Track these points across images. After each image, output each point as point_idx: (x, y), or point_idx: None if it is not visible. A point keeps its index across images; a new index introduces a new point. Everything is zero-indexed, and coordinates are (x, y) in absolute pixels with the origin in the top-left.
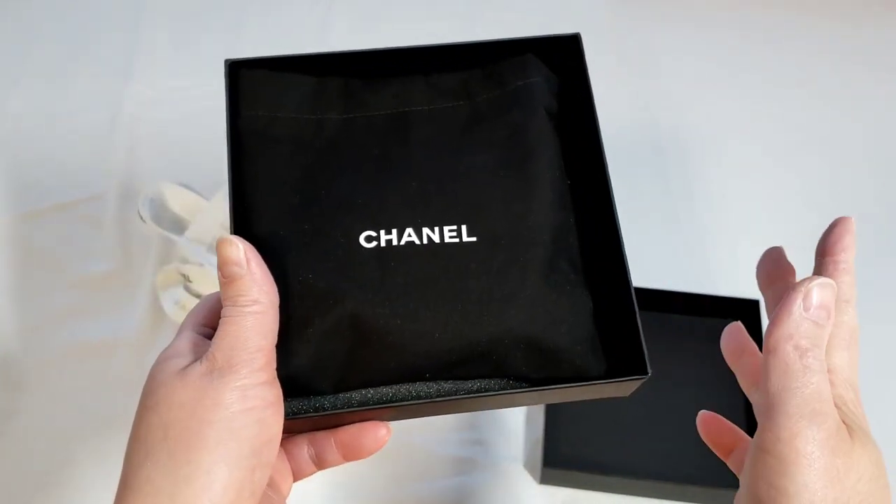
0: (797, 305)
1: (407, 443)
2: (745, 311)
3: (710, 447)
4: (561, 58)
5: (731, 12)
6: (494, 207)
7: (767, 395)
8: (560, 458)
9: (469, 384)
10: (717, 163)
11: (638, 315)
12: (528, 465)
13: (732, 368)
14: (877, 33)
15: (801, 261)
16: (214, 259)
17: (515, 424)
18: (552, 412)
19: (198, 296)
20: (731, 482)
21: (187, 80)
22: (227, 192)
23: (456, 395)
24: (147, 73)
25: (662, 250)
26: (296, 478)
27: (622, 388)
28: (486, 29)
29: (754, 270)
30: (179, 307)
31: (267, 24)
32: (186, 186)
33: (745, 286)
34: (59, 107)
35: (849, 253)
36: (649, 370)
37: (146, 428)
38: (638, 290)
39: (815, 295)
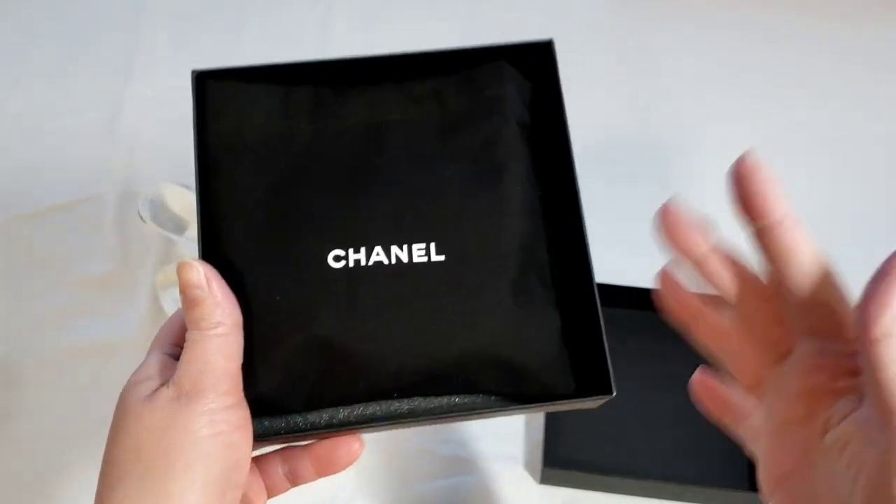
0: None
1: (407, 443)
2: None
3: (707, 412)
4: (535, 64)
5: (731, 12)
6: (463, 224)
7: (884, 389)
8: (560, 458)
9: (438, 400)
10: (717, 162)
11: (604, 331)
12: (528, 465)
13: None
14: (877, 33)
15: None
16: None
17: (515, 425)
18: (552, 412)
19: None
20: (731, 482)
21: (187, 81)
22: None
23: (426, 411)
24: (147, 73)
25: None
26: (269, 494)
27: (588, 404)
28: (486, 29)
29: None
30: (179, 307)
31: (267, 24)
32: (186, 186)
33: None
34: (59, 107)
35: (784, 200)
36: (614, 390)
37: (119, 450)
38: (637, 289)
39: None
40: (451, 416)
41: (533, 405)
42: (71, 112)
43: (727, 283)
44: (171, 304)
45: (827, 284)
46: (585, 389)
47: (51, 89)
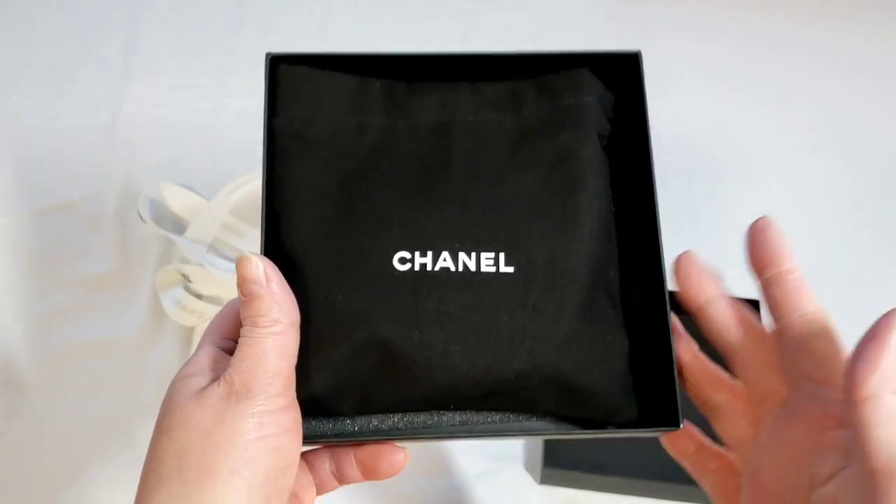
0: (894, 343)
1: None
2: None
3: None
4: (618, 75)
5: (731, 14)
6: (535, 236)
7: (871, 452)
8: (560, 458)
9: (491, 416)
10: (716, 163)
11: (675, 360)
12: (528, 465)
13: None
14: (879, 40)
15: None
16: (214, 259)
17: None
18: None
19: (198, 296)
20: None
21: (187, 80)
22: (228, 192)
23: (480, 428)
24: (147, 73)
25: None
26: (319, 491)
27: (650, 434)
28: (486, 28)
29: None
30: (179, 307)
31: (267, 24)
32: (186, 186)
33: (746, 286)
34: (59, 107)
35: (792, 255)
36: (681, 423)
37: (161, 451)
38: None
39: None
40: (505, 436)
41: (591, 431)
42: (71, 112)
43: (726, 328)
44: (171, 304)
45: (824, 334)
46: (649, 419)
47: (51, 89)
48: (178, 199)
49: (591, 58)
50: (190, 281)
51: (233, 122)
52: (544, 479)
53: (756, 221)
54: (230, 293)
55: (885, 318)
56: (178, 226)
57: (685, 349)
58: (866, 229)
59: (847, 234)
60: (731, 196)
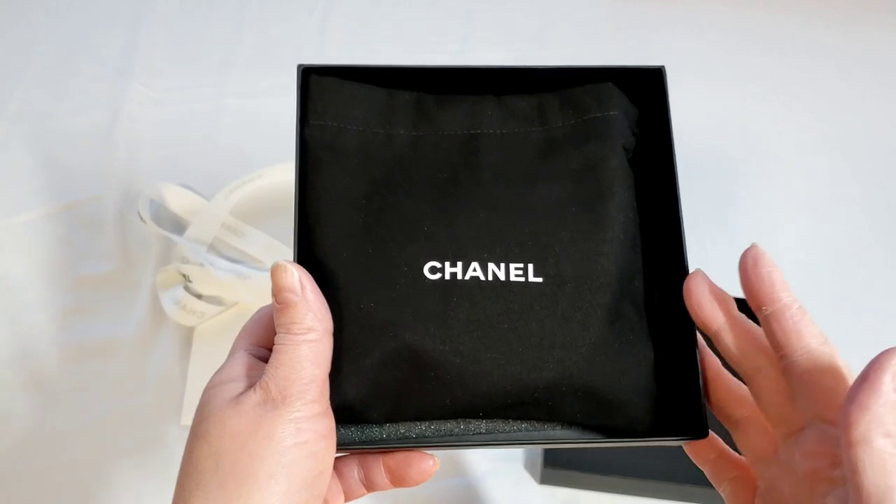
0: (886, 385)
1: None
2: (744, 311)
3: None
4: (642, 90)
5: (732, 13)
6: (563, 247)
7: (862, 495)
8: (560, 458)
9: (518, 425)
10: (716, 163)
11: (700, 370)
12: (528, 465)
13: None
14: (882, 39)
15: (799, 267)
16: (214, 259)
17: None
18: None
19: (198, 296)
20: None
21: (187, 80)
22: (228, 192)
23: (507, 437)
24: (147, 73)
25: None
26: (347, 498)
27: (675, 443)
28: (486, 29)
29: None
30: (179, 307)
31: (267, 25)
32: (186, 186)
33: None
34: (59, 107)
35: (788, 289)
36: (708, 433)
37: (198, 456)
38: None
39: None
40: (531, 444)
41: (617, 440)
42: (71, 112)
43: (741, 357)
44: (170, 304)
45: (830, 371)
46: (675, 428)
47: (51, 89)
48: (178, 199)
49: (616, 72)
50: (190, 281)
51: (232, 122)
52: (544, 479)
53: (747, 253)
54: (230, 293)
55: (877, 359)
56: (178, 226)
57: (709, 365)
58: (868, 230)
59: (849, 234)
60: (730, 195)
